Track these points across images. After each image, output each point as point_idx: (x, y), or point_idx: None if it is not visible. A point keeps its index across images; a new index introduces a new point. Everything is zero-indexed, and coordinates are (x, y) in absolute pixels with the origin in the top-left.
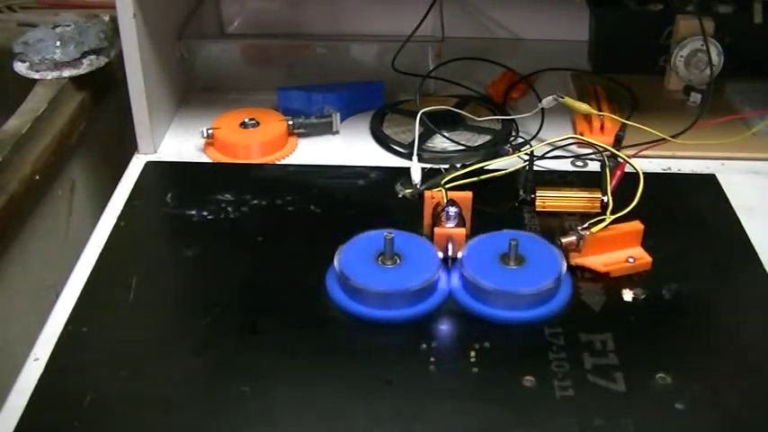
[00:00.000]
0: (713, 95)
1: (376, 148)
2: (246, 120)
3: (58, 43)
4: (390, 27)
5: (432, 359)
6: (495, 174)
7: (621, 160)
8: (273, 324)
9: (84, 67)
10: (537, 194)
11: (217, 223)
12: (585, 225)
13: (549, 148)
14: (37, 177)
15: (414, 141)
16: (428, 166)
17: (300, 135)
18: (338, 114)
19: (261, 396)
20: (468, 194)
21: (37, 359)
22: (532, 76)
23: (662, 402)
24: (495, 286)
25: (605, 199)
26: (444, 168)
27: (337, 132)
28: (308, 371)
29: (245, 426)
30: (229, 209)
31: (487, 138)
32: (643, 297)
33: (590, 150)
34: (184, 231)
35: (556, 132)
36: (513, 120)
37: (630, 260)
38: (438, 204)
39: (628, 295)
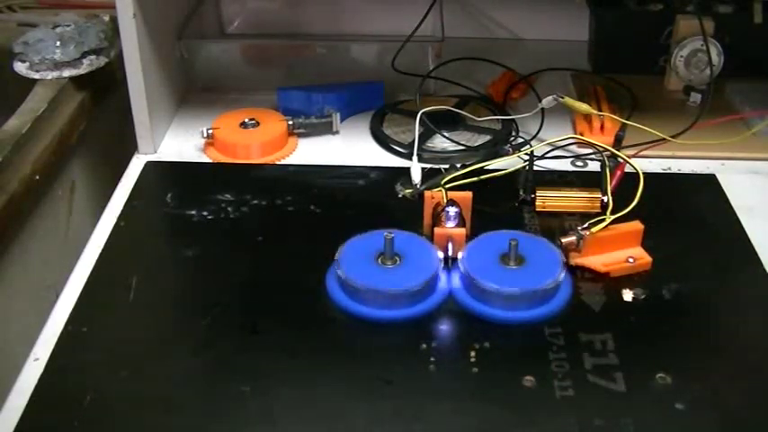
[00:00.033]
0: (713, 95)
1: (376, 148)
2: (246, 120)
3: (58, 43)
4: (390, 27)
5: (432, 359)
6: (495, 174)
7: (621, 160)
8: (273, 324)
9: (84, 67)
10: (537, 194)
11: (217, 223)
12: (585, 225)
13: (549, 148)
14: (37, 177)
15: (414, 141)
16: (428, 166)
17: (300, 135)
18: (338, 114)
19: (261, 396)
20: (468, 194)
21: (37, 359)
22: (532, 76)
23: (662, 402)
24: (495, 286)
25: (605, 199)
26: (444, 168)
27: (337, 132)
28: (308, 371)
29: (245, 426)
30: (229, 209)
31: (487, 138)
32: (643, 297)
33: (590, 150)
34: (184, 231)
35: (556, 132)
36: (513, 120)
37: (630, 260)
38: (438, 204)
39: (628, 295)
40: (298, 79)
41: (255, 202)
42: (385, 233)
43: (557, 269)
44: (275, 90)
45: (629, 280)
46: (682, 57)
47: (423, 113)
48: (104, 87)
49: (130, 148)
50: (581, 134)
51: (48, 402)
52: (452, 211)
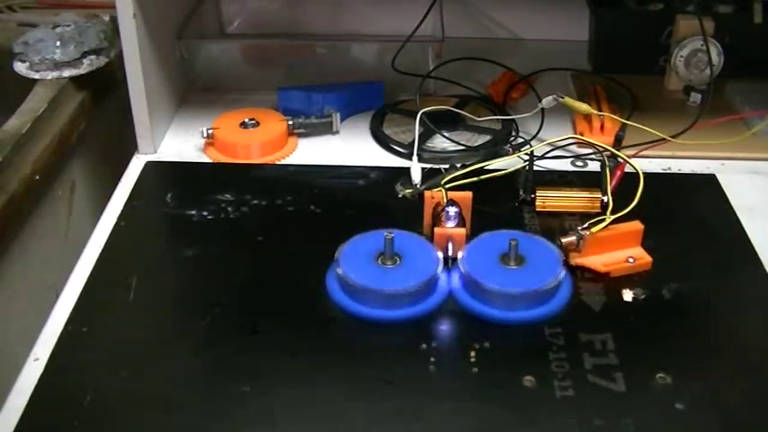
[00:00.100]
0: (713, 95)
1: (376, 148)
2: (246, 120)
3: (58, 43)
4: (390, 27)
5: (432, 359)
6: (495, 174)
7: (621, 160)
8: (273, 324)
9: (84, 67)
10: (537, 194)
11: (217, 223)
12: (585, 225)
13: (549, 148)
14: (37, 177)
15: (414, 141)
16: (428, 166)
17: (300, 135)
18: (338, 114)
19: (261, 396)
20: (468, 194)
21: (37, 359)
22: (532, 76)
23: (662, 402)
24: (495, 286)
25: (605, 199)
26: (444, 168)
27: (337, 132)
28: (308, 371)
29: (245, 426)
30: (229, 209)
31: (487, 138)
32: (643, 297)
33: (590, 150)
34: (184, 231)
35: (556, 132)
36: (513, 120)
37: (630, 260)
38: (438, 204)
39: (628, 295)
40: (298, 79)
41: (255, 202)
42: (385, 233)
43: (557, 269)
44: (275, 90)
45: (629, 280)
46: (682, 57)
47: (423, 113)
48: (104, 87)
49: (130, 148)
50: (581, 134)
51: (48, 402)
52: (452, 211)
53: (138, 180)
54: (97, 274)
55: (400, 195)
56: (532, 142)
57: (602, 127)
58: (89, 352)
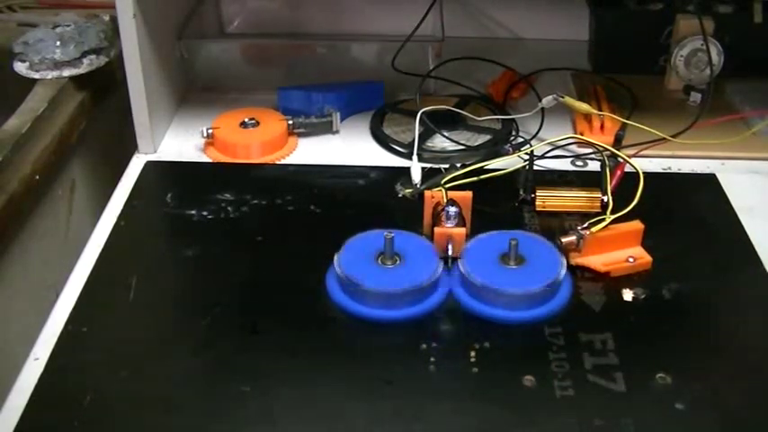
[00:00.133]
0: (713, 95)
1: (376, 148)
2: (246, 119)
3: (58, 43)
4: (390, 27)
5: (432, 359)
6: (495, 173)
7: (621, 160)
8: (273, 324)
9: (84, 67)
10: (537, 194)
11: (217, 223)
12: (585, 225)
13: (549, 148)
14: (37, 177)
15: (414, 141)
16: (428, 165)
17: (300, 135)
18: (338, 114)
19: (261, 396)
20: (468, 194)
21: (37, 359)
22: (532, 75)
23: (662, 402)
24: (495, 286)
25: (605, 199)
26: (444, 168)
27: (337, 132)
28: (308, 371)
29: (245, 426)
30: (229, 209)
31: (487, 137)
32: (643, 297)
33: (590, 150)
34: (184, 231)
35: (556, 132)
36: (513, 119)
37: (630, 260)
38: (438, 204)
39: (628, 295)
40: (298, 79)
41: (255, 201)
42: (385, 233)
43: (557, 269)
44: (275, 90)
45: (629, 280)
46: (682, 56)
47: (423, 113)
48: (104, 87)
49: (130, 147)
50: (581, 134)
51: (48, 402)
52: (452, 210)
53: (137, 180)
54: (97, 273)
55: (400, 195)
56: (532, 142)
57: (602, 127)
58: (89, 352)
